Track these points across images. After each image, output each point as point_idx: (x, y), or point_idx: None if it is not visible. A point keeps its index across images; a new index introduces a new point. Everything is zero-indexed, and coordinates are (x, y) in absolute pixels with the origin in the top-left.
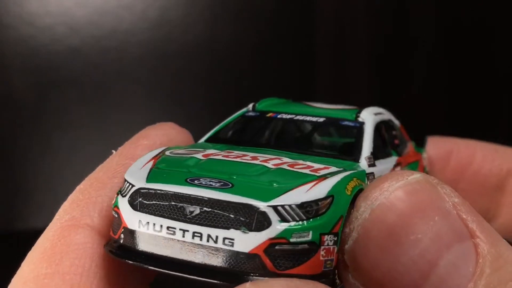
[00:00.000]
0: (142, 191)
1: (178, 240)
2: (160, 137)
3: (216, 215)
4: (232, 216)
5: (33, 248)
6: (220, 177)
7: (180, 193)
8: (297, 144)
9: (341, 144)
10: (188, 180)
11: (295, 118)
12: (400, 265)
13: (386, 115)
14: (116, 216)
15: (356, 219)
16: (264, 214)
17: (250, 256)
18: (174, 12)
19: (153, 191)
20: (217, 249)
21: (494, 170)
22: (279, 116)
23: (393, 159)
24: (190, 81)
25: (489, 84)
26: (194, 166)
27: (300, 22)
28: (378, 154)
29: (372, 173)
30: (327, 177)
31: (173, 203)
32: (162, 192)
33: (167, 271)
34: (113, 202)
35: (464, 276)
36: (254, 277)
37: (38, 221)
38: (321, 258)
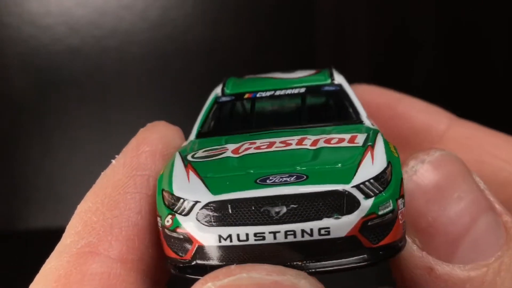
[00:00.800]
0: (212, 205)
1: (269, 244)
2: (160, 140)
3: (305, 209)
4: (321, 205)
5: (45, 272)
6: (286, 171)
7: (260, 196)
8: (301, 119)
9: (338, 109)
10: (258, 181)
11: (276, 93)
12: (445, 216)
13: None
14: (181, 237)
15: (406, 173)
16: (351, 195)
17: (348, 239)
18: (174, 12)
19: (226, 202)
20: (314, 242)
21: (418, 127)
22: (258, 95)
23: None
24: (190, 81)
25: (489, 85)
26: (242, 166)
27: (300, 22)
28: None
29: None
30: (371, 145)
31: (253, 208)
32: (238, 200)
33: None
34: (168, 224)
35: (498, 238)
36: (353, 258)
37: (38, 221)
38: (400, 222)
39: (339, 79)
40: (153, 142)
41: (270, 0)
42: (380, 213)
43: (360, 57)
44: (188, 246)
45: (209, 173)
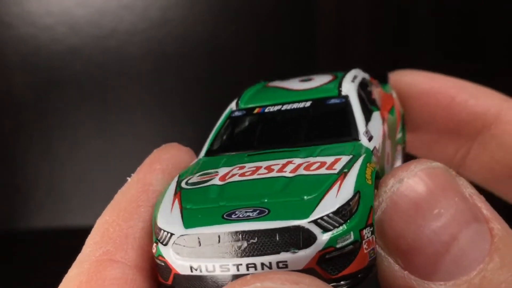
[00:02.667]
0: (184, 238)
1: (233, 275)
2: (171, 160)
3: (264, 244)
4: (279, 240)
5: (67, 280)
6: (252, 204)
7: (224, 232)
8: (298, 137)
9: (337, 125)
10: (225, 216)
11: (282, 108)
12: (424, 235)
13: (359, 74)
14: (163, 264)
15: (385, 193)
16: (307, 230)
17: (305, 271)
18: (174, 12)
19: (195, 236)
20: None
21: (477, 112)
22: (266, 110)
23: (376, 116)
24: (190, 81)
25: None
26: (219, 197)
27: (301, 21)
28: (365, 118)
29: (375, 147)
30: (346, 172)
31: (219, 243)
32: (206, 235)
33: None
34: (154, 251)
35: (482, 251)
36: None
37: (38, 221)
38: (365, 251)
39: (347, 89)
40: (164, 161)
41: (270, 0)
42: (339, 246)
43: (361, 57)
44: (168, 272)
45: (188, 204)
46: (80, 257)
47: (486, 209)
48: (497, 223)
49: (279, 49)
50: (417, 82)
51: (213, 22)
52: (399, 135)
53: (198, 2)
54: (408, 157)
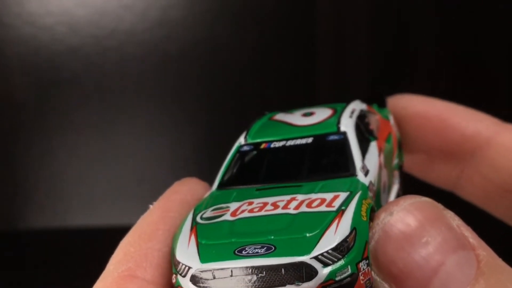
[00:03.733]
0: (200, 271)
1: None
2: (189, 192)
3: (271, 277)
4: (284, 274)
5: None
6: (260, 241)
7: (236, 267)
8: (301, 172)
9: (336, 161)
10: (236, 252)
11: (286, 144)
12: (413, 261)
13: (357, 107)
14: None
15: (378, 225)
16: (310, 266)
17: None
18: (174, 12)
19: (211, 270)
20: None
21: (468, 135)
22: (271, 146)
23: (373, 146)
24: (190, 81)
25: (490, 89)
26: (231, 233)
27: (301, 22)
28: (362, 151)
29: (370, 181)
30: (343, 210)
31: (232, 276)
32: (219, 269)
33: None
34: (173, 281)
35: (468, 275)
36: None
37: (38, 221)
38: (361, 281)
39: (345, 125)
40: (183, 192)
41: (270, 0)
42: (338, 278)
43: (361, 58)
44: None
45: (204, 240)
46: (104, 274)
47: (472, 238)
48: (482, 250)
49: (278, 49)
50: (412, 106)
51: (213, 22)
52: (395, 161)
53: (198, 2)
54: (406, 177)
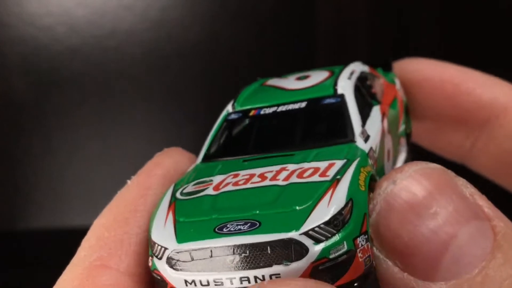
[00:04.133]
0: (176, 252)
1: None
2: (172, 165)
3: (256, 257)
4: (270, 253)
5: (60, 284)
6: (243, 217)
7: (216, 247)
8: (293, 141)
9: (332, 126)
10: (216, 230)
11: (278, 110)
12: (421, 235)
13: (357, 68)
14: (159, 278)
15: (379, 195)
16: (299, 243)
17: None
18: (174, 12)
19: (188, 251)
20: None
21: (484, 101)
22: (261, 112)
23: (376, 111)
24: (190, 81)
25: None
26: (212, 208)
27: (300, 21)
28: (363, 115)
29: (371, 148)
30: (338, 179)
31: (212, 256)
32: (198, 249)
33: None
34: (149, 264)
35: (483, 248)
36: None
37: (38, 221)
38: (360, 259)
39: (343, 87)
40: (165, 167)
41: (270, 0)
42: (332, 256)
43: (360, 57)
44: (164, 286)
45: (182, 217)
46: (74, 260)
47: (488, 207)
48: (499, 220)
49: (278, 49)
50: (421, 70)
51: (213, 22)
52: (402, 127)
53: (198, 2)
54: (413, 147)
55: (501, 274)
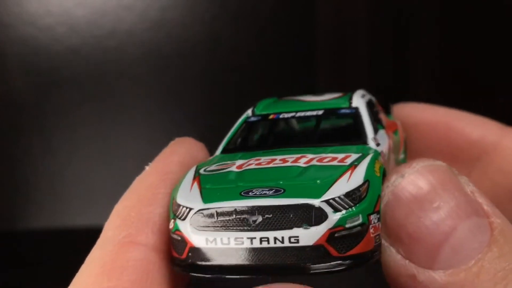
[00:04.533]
0: (203, 212)
1: (247, 248)
2: (188, 153)
3: (278, 219)
4: (292, 216)
5: (90, 261)
6: (269, 185)
7: (241, 206)
8: (310, 139)
9: (347, 130)
10: (242, 193)
11: (296, 115)
12: (424, 226)
13: (367, 95)
14: (179, 238)
15: (388, 187)
16: (320, 209)
17: (315, 248)
18: (174, 12)
19: (214, 210)
20: (285, 248)
21: (474, 139)
22: (281, 116)
23: (382, 133)
24: (190, 81)
25: (490, 88)
26: (237, 179)
27: (300, 22)
28: (374, 128)
29: (382, 151)
30: (356, 164)
31: (236, 216)
32: (223, 209)
33: (243, 276)
34: (171, 227)
35: (480, 242)
36: (320, 265)
37: (38, 221)
38: (371, 235)
39: (357, 103)
40: (181, 154)
41: (270, 0)
42: (348, 226)
43: (361, 57)
44: (183, 246)
45: (207, 185)
46: (100, 240)
47: (486, 205)
48: (497, 217)
49: (278, 49)
50: (417, 113)
51: (213, 22)
52: (401, 156)
53: (198, 2)
54: None
55: (496, 266)
